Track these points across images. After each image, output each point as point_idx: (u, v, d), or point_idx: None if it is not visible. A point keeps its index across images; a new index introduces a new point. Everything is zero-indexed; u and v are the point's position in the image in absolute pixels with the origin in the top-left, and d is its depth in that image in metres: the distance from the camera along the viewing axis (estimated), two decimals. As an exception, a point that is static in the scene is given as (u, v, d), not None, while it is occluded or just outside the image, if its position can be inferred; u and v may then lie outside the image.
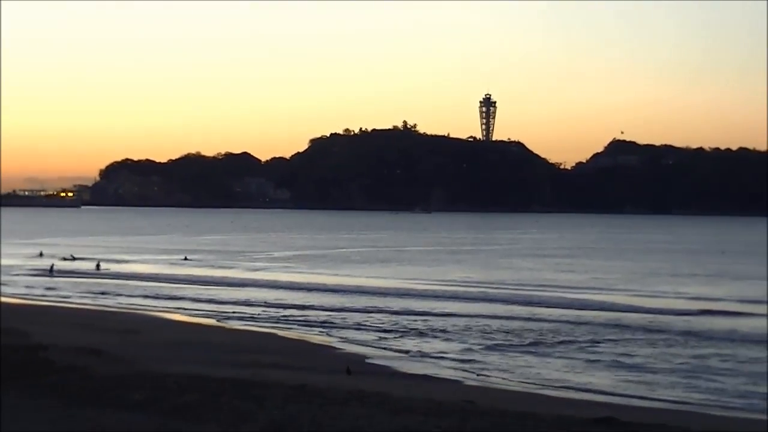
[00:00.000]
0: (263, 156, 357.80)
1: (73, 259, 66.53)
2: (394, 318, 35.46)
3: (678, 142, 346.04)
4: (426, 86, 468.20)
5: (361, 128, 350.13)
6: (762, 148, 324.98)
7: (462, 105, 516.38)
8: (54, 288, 46.87)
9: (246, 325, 33.50)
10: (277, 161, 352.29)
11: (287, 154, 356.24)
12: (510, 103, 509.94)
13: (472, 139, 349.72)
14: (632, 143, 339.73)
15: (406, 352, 27.56)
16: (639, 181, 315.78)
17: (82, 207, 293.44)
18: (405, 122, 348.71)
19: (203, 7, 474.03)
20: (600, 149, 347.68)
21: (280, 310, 38.20)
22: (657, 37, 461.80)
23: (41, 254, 71.14)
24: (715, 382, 23.00)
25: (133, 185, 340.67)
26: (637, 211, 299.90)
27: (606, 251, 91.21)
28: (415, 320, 34.80)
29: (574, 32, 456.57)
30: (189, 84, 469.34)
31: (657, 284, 52.87)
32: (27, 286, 47.56)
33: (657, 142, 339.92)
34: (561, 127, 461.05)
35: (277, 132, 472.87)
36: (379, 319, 35.04)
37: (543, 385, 22.47)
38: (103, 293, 44.40)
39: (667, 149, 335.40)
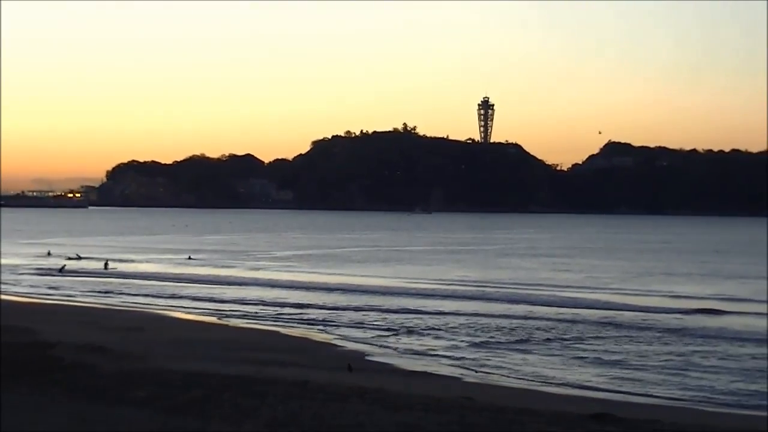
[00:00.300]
0: (266, 158, 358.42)
1: (79, 258, 66.54)
2: (393, 316, 35.44)
3: (672, 144, 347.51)
4: (425, 89, 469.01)
5: (361, 130, 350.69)
6: (754, 149, 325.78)
7: (461, 108, 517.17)
8: (62, 287, 46.87)
9: (248, 323, 33.49)
10: (279, 163, 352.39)
11: (290, 156, 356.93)
12: (507, 106, 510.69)
13: (470, 141, 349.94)
14: (627, 145, 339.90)
15: (406, 349, 27.55)
16: (634, 182, 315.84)
17: (89, 207, 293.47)
18: (405, 124, 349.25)
19: (208, 9, 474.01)
20: (596, 151, 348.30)
21: (282, 308, 38.20)
22: (651, 41, 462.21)
23: (49, 253, 71.17)
24: (707, 379, 23.00)
25: (139, 186, 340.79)
26: (632, 211, 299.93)
27: (602, 251, 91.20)
28: (414, 318, 34.78)
29: (569, 37, 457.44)
30: (193, 86, 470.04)
31: (651, 283, 52.84)
32: (35, 285, 47.55)
33: (651, 144, 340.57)
34: (557, 129, 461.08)
35: (280, 134, 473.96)
36: (379, 318, 35.02)
37: (540, 382, 22.48)
38: (109, 292, 44.39)
39: (662, 151, 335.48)
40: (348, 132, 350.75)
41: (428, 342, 29.04)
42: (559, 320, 34.49)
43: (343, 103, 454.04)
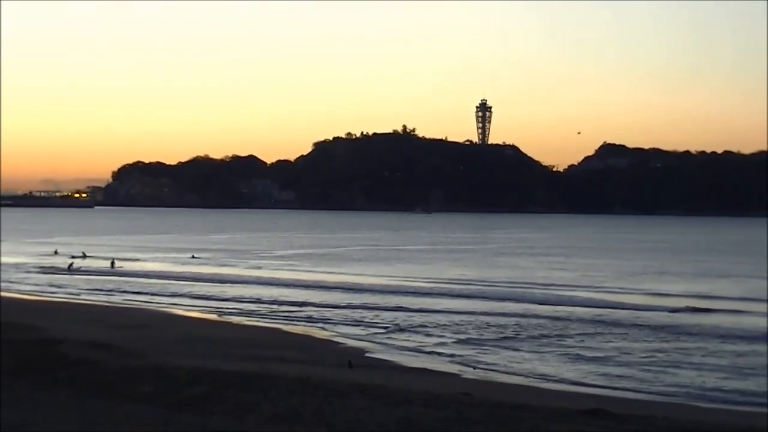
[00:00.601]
0: (269, 159, 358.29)
1: (85, 256, 66.56)
2: (393, 314, 35.45)
3: (666, 146, 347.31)
4: (425, 92, 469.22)
5: (362, 132, 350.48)
6: (746, 151, 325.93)
7: (459, 110, 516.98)
8: (68, 285, 46.89)
9: (251, 320, 33.51)
10: (282, 164, 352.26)
11: (292, 157, 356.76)
12: (505, 108, 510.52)
13: (468, 143, 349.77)
14: (622, 146, 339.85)
15: (405, 346, 27.57)
16: (628, 182, 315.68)
17: (96, 207, 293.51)
18: (404, 126, 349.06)
19: (212, 11, 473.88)
20: (591, 152, 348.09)
21: (283, 306, 38.22)
22: (645, 45, 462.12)
23: (56, 252, 71.19)
24: (699, 376, 23.02)
25: (144, 186, 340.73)
26: (627, 211, 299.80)
27: (597, 250, 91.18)
28: (413, 316, 34.79)
29: (565, 41, 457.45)
30: (197, 89, 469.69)
31: (645, 282, 52.84)
32: (42, 284, 47.57)
33: (646, 146, 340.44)
34: (554, 131, 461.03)
35: (282, 136, 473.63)
36: (378, 316, 35.02)
37: (535, 378, 22.50)
38: (114, 290, 44.41)
39: (656, 152, 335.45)
40: (349, 133, 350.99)
41: (426, 339, 29.05)
42: (554, 318, 34.51)
43: (344, 105, 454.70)
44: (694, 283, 52.45)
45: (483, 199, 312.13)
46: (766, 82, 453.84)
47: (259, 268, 60.39)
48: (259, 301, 40.06)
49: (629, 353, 26.43)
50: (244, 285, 47.83)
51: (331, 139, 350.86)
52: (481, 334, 30.09)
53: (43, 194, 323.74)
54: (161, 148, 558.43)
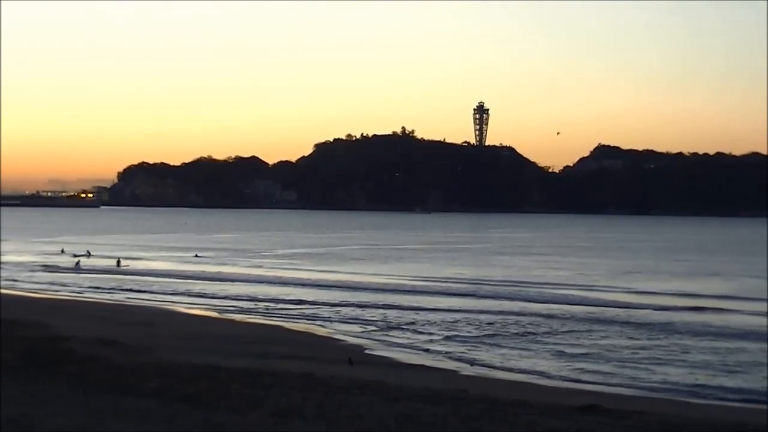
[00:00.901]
0: (271, 160, 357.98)
1: (89, 255, 66.60)
2: (392, 312, 35.48)
3: (659, 147, 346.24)
4: (423, 95, 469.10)
5: (362, 134, 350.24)
6: (737, 152, 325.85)
7: (457, 112, 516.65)
8: (75, 283, 46.90)
9: (254, 318, 33.53)
10: (283, 164, 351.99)
11: (293, 158, 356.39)
12: (502, 111, 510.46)
13: (466, 144, 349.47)
14: (616, 148, 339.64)
15: (403, 343, 27.60)
16: (622, 183, 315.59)
17: (101, 207, 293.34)
18: (404, 128, 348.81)
19: (216, 17, 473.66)
20: (586, 154, 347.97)
21: (285, 304, 38.24)
22: (639, 49, 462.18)
23: (63, 251, 71.17)
24: (691, 373, 23.06)
25: (149, 187, 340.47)
26: (621, 211, 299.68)
27: (591, 249, 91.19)
28: (412, 314, 34.82)
29: (561, 45, 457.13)
30: (201, 91, 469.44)
31: (638, 281, 52.86)
32: (49, 282, 47.59)
33: (639, 147, 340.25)
34: (550, 132, 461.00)
35: (284, 137, 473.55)
36: (378, 313, 35.05)
37: (531, 375, 22.54)
38: (120, 288, 44.43)
39: (649, 154, 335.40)
40: (349, 135, 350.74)
41: (425, 336, 29.08)
42: (549, 316, 34.54)
43: (345, 107, 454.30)
44: (686, 282, 52.46)
45: (480, 200, 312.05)
46: (758, 84, 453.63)
47: (261, 267, 60.39)
48: (260, 299, 40.07)
49: (623, 350, 26.46)
50: (247, 283, 47.84)
51: (331, 140, 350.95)
52: (480, 332, 30.11)
53: (50, 194, 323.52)
54: (165, 149, 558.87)
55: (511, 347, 26.94)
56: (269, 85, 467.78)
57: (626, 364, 24.22)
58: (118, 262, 59.72)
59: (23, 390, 14.00)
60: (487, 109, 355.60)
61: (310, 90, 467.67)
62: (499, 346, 27.17)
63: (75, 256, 65.49)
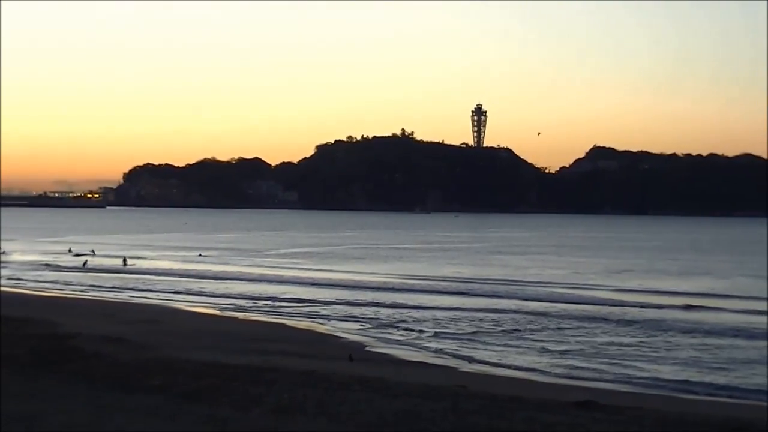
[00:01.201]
0: (273, 161, 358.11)
1: (94, 254, 66.61)
2: (393, 311, 35.48)
3: (654, 149, 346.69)
4: (422, 97, 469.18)
5: (362, 135, 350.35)
6: (730, 154, 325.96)
7: (455, 114, 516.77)
8: (82, 282, 46.89)
9: (256, 315, 33.53)
10: (285, 166, 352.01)
11: (295, 159, 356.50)
12: (499, 113, 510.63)
13: (464, 146, 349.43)
14: (611, 149, 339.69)
15: (403, 341, 27.61)
16: (618, 184, 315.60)
17: (107, 207, 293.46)
18: (403, 130, 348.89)
19: (218, 20, 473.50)
20: (582, 155, 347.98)
21: (287, 302, 38.24)
22: (634, 52, 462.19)
23: (70, 251, 71.14)
24: (684, 369, 23.07)
25: (154, 187, 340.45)
26: (616, 211, 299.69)
27: (587, 249, 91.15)
28: (412, 312, 34.81)
29: (557, 48, 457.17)
30: (204, 93, 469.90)
31: (632, 279, 52.80)
32: (57, 281, 47.58)
33: (634, 149, 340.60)
34: (546, 134, 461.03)
35: (286, 139, 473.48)
36: (378, 312, 35.05)
37: (528, 371, 22.54)
38: (126, 287, 44.43)
39: (644, 155, 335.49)
40: (350, 137, 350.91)
41: (424, 334, 29.08)
42: (545, 314, 34.54)
43: (345, 110, 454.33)
44: (680, 281, 52.43)
45: (478, 200, 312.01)
46: (750, 87, 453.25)
47: (264, 266, 60.37)
48: (263, 297, 40.07)
49: (616, 347, 26.46)
50: (250, 282, 47.84)
51: (332, 142, 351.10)
52: (477, 329, 30.11)
53: (57, 195, 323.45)
54: (170, 150, 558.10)
55: (508, 344, 26.94)
56: (271, 87, 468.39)
57: (619, 360, 24.22)
58: (125, 261, 59.75)
59: (31, 386, 14.02)
60: (485, 111, 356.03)
61: (311, 93, 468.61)
62: (495, 343, 27.17)
63: (76, 255, 65.55)
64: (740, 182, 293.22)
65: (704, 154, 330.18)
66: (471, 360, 24.04)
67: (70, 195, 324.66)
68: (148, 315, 31.09)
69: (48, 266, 57.25)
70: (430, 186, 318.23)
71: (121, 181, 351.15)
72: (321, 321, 32.26)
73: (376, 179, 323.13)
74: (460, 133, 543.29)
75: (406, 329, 30.14)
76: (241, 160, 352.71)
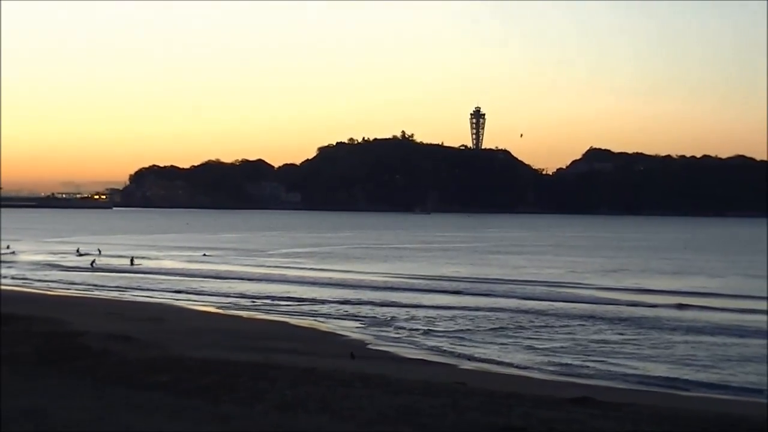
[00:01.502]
0: (276, 162, 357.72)
1: (99, 253, 66.66)
2: (393, 309, 35.50)
3: (648, 150, 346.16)
4: (422, 100, 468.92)
5: (363, 137, 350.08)
6: (723, 155, 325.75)
7: (454, 116, 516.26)
8: (90, 281, 46.91)
9: (259, 314, 33.53)
10: (288, 167, 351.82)
11: (298, 161, 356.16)
12: (497, 115, 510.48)
13: (463, 147, 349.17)
14: (607, 151, 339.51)
15: (404, 338, 27.61)
16: (613, 185, 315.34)
17: (114, 208, 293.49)
18: (403, 132, 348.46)
19: (221, 24, 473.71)
20: (578, 156, 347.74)
21: (289, 301, 38.25)
22: (629, 54, 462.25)
23: (78, 251, 71.11)
24: (679, 367, 23.08)
25: (159, 189, 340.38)
26: (612, 212, 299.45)
27: (584, 248, 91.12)
28: (412, 311, 34.83)
29: (555, 52, 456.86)
30: (209, 96, 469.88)
31: (627, 278, 52.79)
32: (65, 280, 47.59)
33: (629, 150, 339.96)
34: (543, 136, 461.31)
35: (289, 141, 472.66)
36: (379, 310, 35.07)
37: (525, 368, 22.54)
38: (131, 285, 44.45)
39: (639, 156, 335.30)
40: (351, 139, 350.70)
41: (423, 332, 29.08)
42: (543, 313, 34.55)
43: (347, 112, 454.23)
44: (674, 280, 52.44)
45: (477, 200, 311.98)
46: (743, 90, 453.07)
47: (266, 265, 60.38)
48: (265, 296, 40.08)
49: (611, 345, 26.48)
50: (252, 281, 47.85)
51: (334, 144, 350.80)
52: (476, 327, 30.12)
53: (64, 196, 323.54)
54: (175, 152, 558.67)
55: (505, 342, 26.95)
56: (275, 90, 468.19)
57: (614, 358, 24.24)
58: (132, 260, 59.78)
59: (38, 383, 14.03)
60: (484, 114, 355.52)
61: (313, 96, 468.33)
62: (494, 342, 27.18)
63: (80, 255, 65.60)
64: (733, 183, 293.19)
65: (698, 155, 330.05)
66: (470, 358, 24.03)
67: (78, 196, 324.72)
68: (153, 313, 31.10)
69: (55, 266, 57.26)
70: (430, 187, 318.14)
71: (127, 182, 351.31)
72: (323, 319, 32.26)
73: (376, 180, 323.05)
74: (459, 135, 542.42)
75: (406, 327, 30.15)
76: (245, 162, 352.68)
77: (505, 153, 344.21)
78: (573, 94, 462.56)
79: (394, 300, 38.73)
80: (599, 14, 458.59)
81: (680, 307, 37.46)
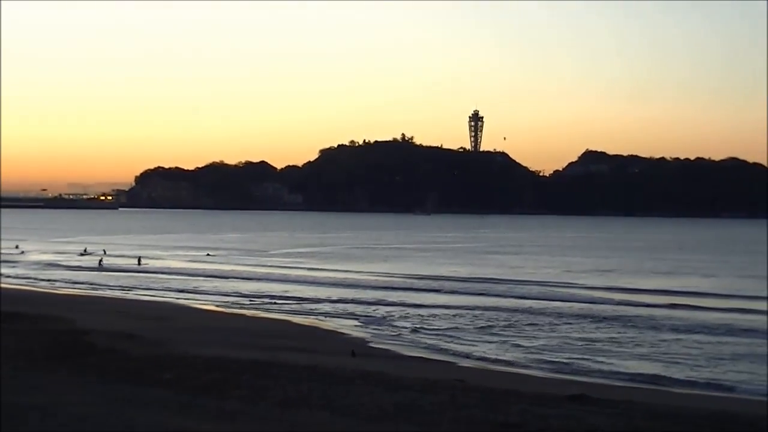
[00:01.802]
0: (279, 164, 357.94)
1: (105, 253, 66.71)
2: (393, 308, 35.50)
3: (643, 153, 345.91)
4: (422, 102, 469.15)
5: (364, 140, 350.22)
6: (716, 158, 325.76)
7: (453, 119, 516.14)
8: (97, 281, 46.90)
9: (262, 312, 33.53)
10: (290, 169, 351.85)
11: (300, 163, 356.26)
12: (495, 118, 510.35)
13: (462, 150, 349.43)
14: (602, 153, 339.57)
15: (403, 337, 27.61)
16: (609, 187, 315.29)
17: (120, 209, 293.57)
18: (403, 134, 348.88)
19: (224, 28, 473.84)
20: (574, 159, 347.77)
21: (291, 300, 38.22)
22: (626, 58, 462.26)
23: (85, 250, 71.10)
24: (674, 365, 23.08)
25: (164, 190, 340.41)
26: (607, 213, 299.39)
27: (579, 249, 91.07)
28: (411, 310, 34.82)
29: (552, 55, 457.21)
30: (213, 99, 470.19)
31: (622, 278, 52.74)
32: (72, 279, 47.59)
33: (625, 153, 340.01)
34: (540, 138, 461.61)
35: (291, 143, 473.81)
36: (379, 309, 35.07)
37: (522, 366, 22.54)
38: (137, 285, 44.44)
39: (634, 159, 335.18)
40: (352, 141, 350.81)
41: (423, 331, 29.07)
42: (539, 312, 34.54)
43: (348, 115, 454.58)
44: (668, 280, 52.40)
45: (475, 202, 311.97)
46: (737, 92, 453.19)
47: (269, 265, 60.36)
48: (268, 295, 40.07)
49: (609, 343, 26.47)
50: (255, 280, 47.84)
51: (335, 146, 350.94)
52: (474, 326, 30.12)
53: (71, 197, 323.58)
54: (180, 154, 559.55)
55: (503, 341, 26.94)
56: (277, 93, 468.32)
57: (609, 356, 24.23)
58: (139, 260, 59.79)
59: (46, 379, 14.04)
60: (482, 117, 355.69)
61: (315, 99, 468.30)
62: (491, 340, 27.17)
63: (85, 254, 65.60)
64: (727, 185, 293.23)
65: (692, 157, 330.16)
66: (468, 356, 24.03)
67: (84, 197, 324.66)
68: (159, 312, 31.11)
69: (62, 265, 57.25)
70: (429, 188, 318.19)
71: (133, 183, 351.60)
72: (324, 318, 32.26)
73: (377, 182, 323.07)
74: (458, 138, 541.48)
75: (405, 326, 30.14)
76: (248, 164, 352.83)
77: (503, 155, 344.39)
78: (569, 97, 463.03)
79: (393, 299, 38.72)
80: (596, 18, 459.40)
81: (672, 306, 37.43)
